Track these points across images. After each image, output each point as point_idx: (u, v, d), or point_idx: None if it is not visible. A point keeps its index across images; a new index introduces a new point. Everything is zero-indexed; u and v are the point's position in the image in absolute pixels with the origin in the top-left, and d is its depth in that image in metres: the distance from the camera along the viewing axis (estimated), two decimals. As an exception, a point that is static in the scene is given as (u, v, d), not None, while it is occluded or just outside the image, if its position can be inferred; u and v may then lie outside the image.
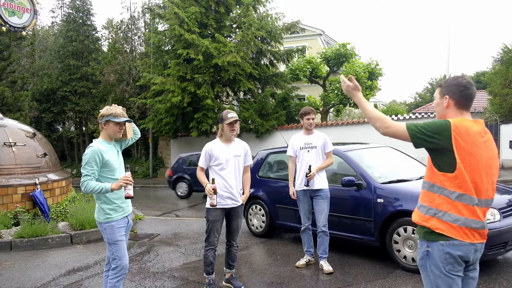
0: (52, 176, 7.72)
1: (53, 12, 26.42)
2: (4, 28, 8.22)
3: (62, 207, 7.49)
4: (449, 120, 2.20)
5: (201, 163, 4.32)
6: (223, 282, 4.52)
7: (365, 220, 5.08)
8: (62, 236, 6.45)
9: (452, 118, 2.25)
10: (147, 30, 20.87)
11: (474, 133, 2.21)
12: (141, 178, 20.46)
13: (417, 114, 16.91)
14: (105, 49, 24.95)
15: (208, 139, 17.84)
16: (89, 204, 7.59)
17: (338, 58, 18.35)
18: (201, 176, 4.30)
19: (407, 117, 16.33)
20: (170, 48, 17.54)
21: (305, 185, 4.91)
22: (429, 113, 16.98)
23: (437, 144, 2.17)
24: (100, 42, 25.07)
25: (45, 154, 7.82)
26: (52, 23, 26.76)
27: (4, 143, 7.20)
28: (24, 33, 9.02)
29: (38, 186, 7.06)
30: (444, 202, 2.19)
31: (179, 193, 13.21)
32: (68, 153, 25.42)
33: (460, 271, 2.22)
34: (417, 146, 2.20)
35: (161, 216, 9.47)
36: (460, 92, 2.26)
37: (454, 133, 2.14)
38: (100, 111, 3.50)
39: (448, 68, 27.30)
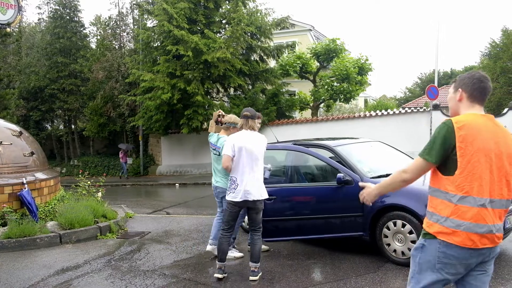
0: (40, 175, 7.60)
1: (40, 8, 25.99)
2: (-12, 25, 8.08)
3: (50, 206, 7.38)
4: (449, 120, 2.16)
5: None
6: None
7: (356, 216, 5.08)
8: (51, 236, 6.37)
9: (462, 113, 2.25)
10: (135, 27, 20.65)
11: (480, 126, 2.14)
12: (132, 175, 20.33)
13: (406, 109, 17.01)
14: (93, 46, 24.65)
15: (199, 135, 17.81)
16: (78, 203, 7.49)
17: (328, 54, 18.40)
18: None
19: (397, 111, 16.44)
20: (159, 44, 17.39)
21: None
22: (418, 108, 17.10)
23: (451, 148, 2.12)
24: (88, 39, 24.78)
25: (32, 153, 7.71)
26: (38, 19, 26.41)
27: (-10, 142, 7.08)
28: (8, 29, 8.87)
29: (26, 186, 6.94)
30: (446, 207, 2.11)
31: None
32: (57, 152, 25.14)
33: (450, 274, 2.14)
34: (439, 162, 2.16)
35: (152, 214, 9.41)
36: (473, 85, 2.25)
37: (457, 129, 2.10)
38: (228, 118, 5.15)
39: (437, 62, 27.54)
